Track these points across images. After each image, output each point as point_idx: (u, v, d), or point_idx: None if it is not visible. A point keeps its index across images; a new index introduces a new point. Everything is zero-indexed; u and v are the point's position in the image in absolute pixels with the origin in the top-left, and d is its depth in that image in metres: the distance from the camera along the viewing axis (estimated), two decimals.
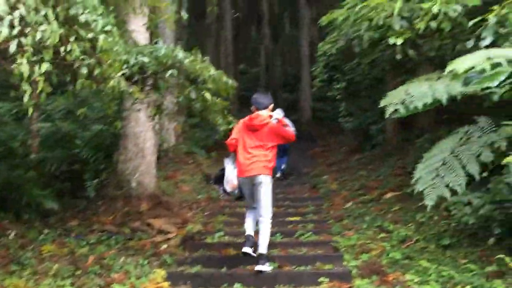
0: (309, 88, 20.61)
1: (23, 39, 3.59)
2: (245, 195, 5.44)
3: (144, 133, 7.99)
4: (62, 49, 3.86)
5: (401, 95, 4.90)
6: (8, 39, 3.59)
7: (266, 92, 6.09)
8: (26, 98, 3.71)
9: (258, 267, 5.09)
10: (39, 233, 6.47)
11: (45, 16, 3.65)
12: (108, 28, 4.07)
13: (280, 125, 5.43)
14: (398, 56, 6.28)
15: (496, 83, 4.48)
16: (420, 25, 5.74)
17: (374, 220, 6.74)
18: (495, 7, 5.07)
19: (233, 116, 6.39)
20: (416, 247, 5.46)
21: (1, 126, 8.45)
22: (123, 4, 6.37)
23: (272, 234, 5.56)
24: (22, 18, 3.53)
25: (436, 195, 4.49)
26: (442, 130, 7.07)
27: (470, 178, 4.54)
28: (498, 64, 4.31)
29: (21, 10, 3.55)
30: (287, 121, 11.31)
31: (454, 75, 4.58)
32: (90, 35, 3.93)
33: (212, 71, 5.70)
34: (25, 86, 3.67)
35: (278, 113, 10.33)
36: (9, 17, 3.58)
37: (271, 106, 5.52)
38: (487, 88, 4.56)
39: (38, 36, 3.63)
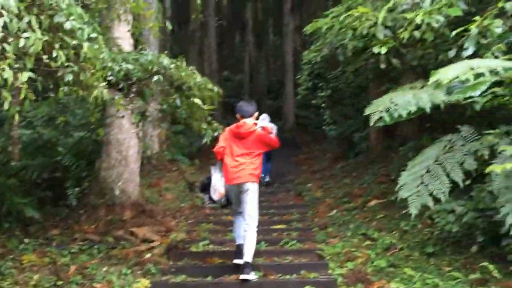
0: (293, 96, 20.76)
1: (6, 46, 3.52)
2: (232, 202, 5.45)
3: (128, 140, 7.92)
4: (45, 56, 3.81)
5: (386, 103, 4.94)
6: None
7: (251, 100, 6.10)
8: (6, 106, 3.65)
9: (243, 276, 5.05)
10: (20, 242, 6.35)
11: (29, 23, 3.60)
12: (93, 35, 4.03)
13: (265, 133, 5.46)
14: (383, 65, 6.34)
15: (478, 92, 4.56)
16: (404, 35, 5.80)
17: (359, 227, 6.77)
18: (477, 18, 5.16)
19: (218, 122, 6.37)
20: (400, 255, 5.49)
21: None
22: (106, 12, 6.32)
23: (257, 242, 5.53)
24: (5, 25, 3.47)
25: (420, 203, 4.53)
26: (425, 138, 7.14)
27: (453, 186, 4.60)
28: (480, 74, 4.39)
29: (5, 17, 3.49)
30: (272, 126, 11.39)
31: (438, 85, 4.64)
32: (75, 42, 3.89)
33: (198, 78, 5.68)
34: (5, 93, 3.60)
35: (264, 119, 10.44)
36: None
37: (256, 114, 5.57)
38: (470, 97, 4.64)
39: (21, 43, 3.58)
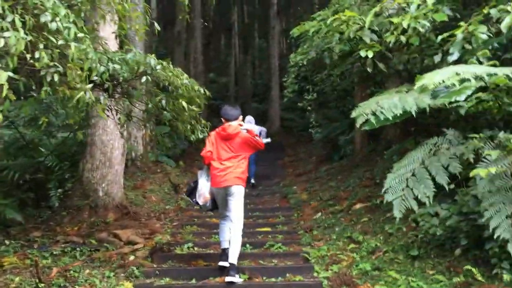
0: (278, 98, 20.79)
1: None
2: (219, 205, 5.46)
3: (112, 142, 7.84)
4: (29, 56, 3.74)
5: (372, 106, 4.97)
6: None
7: (235, 103, 6.13)
8: None
9: (229, 278, 5.03)
10: (0, 244, 6.23)
11: (12, 22, 3.54)
12: (80, 35, 3.97)
13: (251, 136, 5.47)
14: (369, 69, 6.37)
15: (463, 97, 4.62)
16: (390, 39, 5.84)
17: (344, 230, 6.78)
18: (462, 23, 5.22)
19: (204, 124, 6.33)
20: (385, 258, 5.51)
21: None
22: (90, 13, 6.24)
23: (242, 244, 5.52)
24: None
25: (405, 207, 4.56)
26: (409, 142, 7.19)
27: (437, 189, 4.63)
28: (465, 80, 4.44)
29: None
30: (261, 128, 11.37)
31: (424, 89, 4.68)
32: (60, 42, 3.83)
33: (185, 79, 5.64)
34: None
35: (249, 121, 10.41)
36: None
37: (241, 117, 5.62)
38: (455, 101, 4.69)
39: (1, 43, 3.51)
